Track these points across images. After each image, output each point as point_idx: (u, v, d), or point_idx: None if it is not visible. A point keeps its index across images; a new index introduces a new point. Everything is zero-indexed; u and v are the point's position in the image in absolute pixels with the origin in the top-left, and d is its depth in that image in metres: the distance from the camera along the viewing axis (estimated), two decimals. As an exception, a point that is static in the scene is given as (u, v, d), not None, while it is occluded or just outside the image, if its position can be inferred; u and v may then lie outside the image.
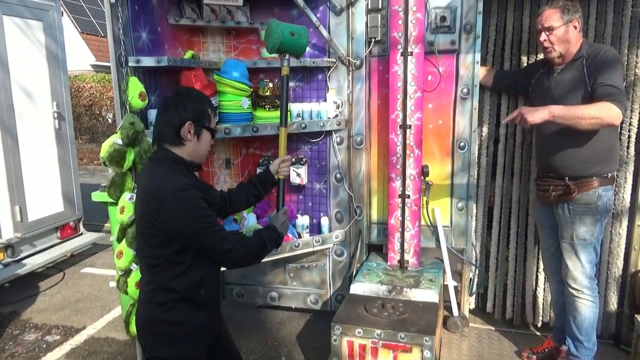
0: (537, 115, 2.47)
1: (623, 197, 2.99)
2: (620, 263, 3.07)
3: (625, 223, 3.03)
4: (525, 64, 3.06)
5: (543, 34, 2.61)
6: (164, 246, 1.76)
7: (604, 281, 3.10)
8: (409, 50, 2.91)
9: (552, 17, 2.57)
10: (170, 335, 1.83)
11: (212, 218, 1.81)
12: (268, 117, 3.04)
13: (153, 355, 1.86)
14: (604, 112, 2.41)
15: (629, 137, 2.91)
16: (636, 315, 2.83)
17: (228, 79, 2.93)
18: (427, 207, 3.23)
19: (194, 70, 2.90)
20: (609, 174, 2.65)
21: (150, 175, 1.84)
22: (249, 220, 3.20)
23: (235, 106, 2.99)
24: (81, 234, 5.00)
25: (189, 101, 1.86)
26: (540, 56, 2.99)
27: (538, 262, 3.25)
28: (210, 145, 1.96)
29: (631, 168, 2.96)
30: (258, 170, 3.28)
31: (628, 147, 2.93)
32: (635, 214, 2.98)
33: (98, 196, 3.50)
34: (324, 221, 3.30)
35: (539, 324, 3.30)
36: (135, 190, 2.16)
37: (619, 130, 2.68)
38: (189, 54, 2.96)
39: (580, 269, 2.67)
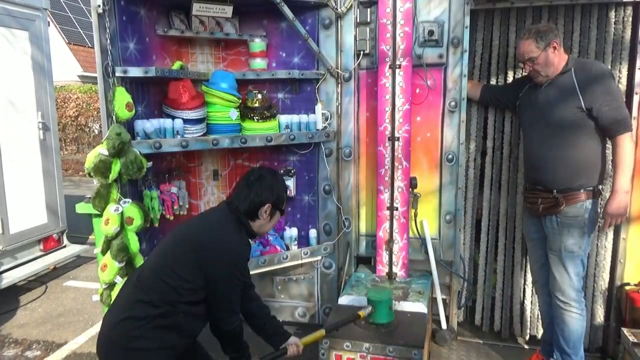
0: (623, 208, 2.62)
1: (609, 210, 3.03)
2: (606, 276, 3.09)
3: (611, 236, 3.05)
4: (511, 78, 3.11)
5: (526, 66, 2.70)
6: (185, 271, 1.86)
7: (591, 294, 3.11)
8: (397, 63, 2.94)
9: (528, 48, 2.63)
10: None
11: (245, 279, 2.04)
12: (256, 128, 3.03)
13: None
14: (630, 149, 2.58)
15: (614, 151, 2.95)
16: (622, 329, 2.84)
17: (216, 90, 2.93)
18: (415, 219, 3.23)
19: (182, 81, 2.90)
20: (596, 187, 2.68)
21: (219, 218, 2.01)
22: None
23: (224, 117, 2.98)
24: (65, 246, 4.91)
25: (274, 186, 2.05)
26: (525, 71, 3.03)
27: (526, 275, 3.25)
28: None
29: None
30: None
31: (613, 161, 2.96)
32: (621, 227, 3.01)
33: (82, 207, 3.44)
34: (313, 233, 3.29)
35: (527, 337, 3.30)
36: (189, 221, 2.23)
37: (605, 144, 2.72)
38: (177, 65, 2.95)
39: (568, 281, 2.68)
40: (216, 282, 1.88)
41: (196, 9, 2.79)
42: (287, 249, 3.24)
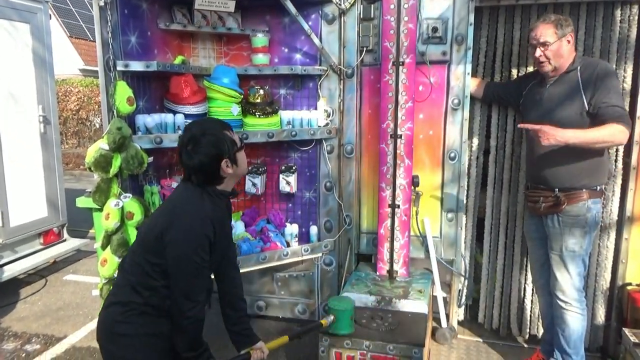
0: (552, 140, 2.45)
1: (611, 210, 3.01)
2: (608, 276, 3.08)
3: (613, 236, 3.03)
4: (515, 76, 3.08)
5: (538, 49, 2.61)
6: (152, 254, 1.75)
7: (592, 294, 3.10)
8: (401, 60, 2.91)
9: (546, 32, 2.57)
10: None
11: (203, 262, 1.75)
12: (258, 124, 3.02)
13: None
14: (615, 135, 2.46)
15: (617, 150, 2.93)
16: (624, 329, 2.83)
17: (218, 85, 2.91)
18: (416, 218, 3.22)
19: (184, 76, 2.88)
20: (598, 187, 2.65)
21: (180, 192, 1.85)
22: (237, 229, 3.16)
23: (225, 113, 2.96)
24: (65, 240, 4.90)
25: (209, 139, 1.77)
26: (531, 69, 3.01)
27: (526, 274, 3.24)
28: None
29: (619, 181, 2.97)
30: (247, 179, 3.22)
31: (616, 161, 2.95)
32: (623, 227, 2.99)
33: (83, 202, 3.43)
34: (313, 230, 3.28)
35: (527, 336, 3.29)
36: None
37: None
38: (179, 59, 2.94)
39: (569, 281, 2.66)
40: (172, 264, 1.72)
41: (198, 3, 2.76)
42: (288, 245, 3.23)
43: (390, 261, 3.18)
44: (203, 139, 1.77)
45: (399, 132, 3.00)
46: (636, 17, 2.84)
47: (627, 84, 2.89)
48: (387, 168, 3.07)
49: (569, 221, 2.63)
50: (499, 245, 3.28)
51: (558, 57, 2.59)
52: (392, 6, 2.86)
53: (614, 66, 2.89)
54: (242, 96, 2.99)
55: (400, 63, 2.92)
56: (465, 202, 3.22)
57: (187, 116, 2.89)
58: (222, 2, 2.79)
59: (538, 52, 2.61)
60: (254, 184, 3.17)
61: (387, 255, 3.18)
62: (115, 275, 2.55)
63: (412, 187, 3.10)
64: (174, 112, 2.89)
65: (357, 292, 2.96)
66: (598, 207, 2.67)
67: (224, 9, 2.83)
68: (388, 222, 3.14)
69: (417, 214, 3.21)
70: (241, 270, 2.97)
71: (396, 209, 3.10)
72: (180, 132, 2.81)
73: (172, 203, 1.85)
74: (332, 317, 2.45)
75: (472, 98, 3.09)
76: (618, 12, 2.87)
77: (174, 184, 3.05)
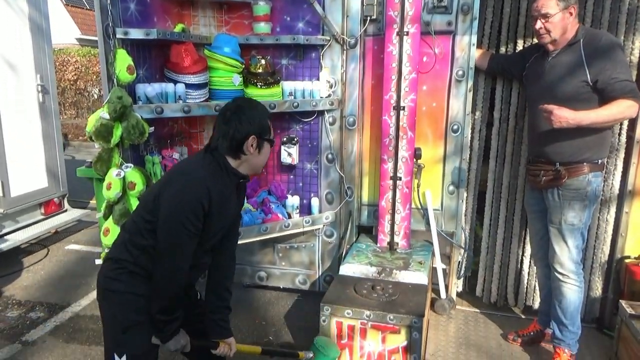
0: (564, 123, 2.44)
1: (612, 183, 3.00)
2: (606, 249, 3.10)
3: (613, 210, 3.04)
4: (521, 47, 3.02)
5: (539, 21, 2.55)
6: (148, 212, 1.76)
7: (590, 266, 3.13)
8: (405, 30, 2.86)
9: (548, 3, 2.51)
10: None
11: (193, 229, 1.71)
12: (260, 94, 2.97)
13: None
14: (625, 111, 2.44)
15: (621, 124, 2.91)
16: (621, 301, 2.86)
17: (219, 54, 2.86)
18: (418, 190, 3.22)
19: (185, 44, 2.82)
20: (600, 161, 2.64)
21: (190, 158, 1.91)
22: (239, 200, 3.16)
23: (227, 83, 2.92)
24: (66, 210, 4.91)
25: (253, 113, 1.82)
26: (536, 40, 2.95)
27: (524, 247, 3.27)
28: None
29: (622, 155, 2.96)
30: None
31: (620, 135, 2.93)
32: (624, 201, 3.00)
33: (83, 172, 3.42)
34: (314, 202, 3.28)
35: (522, 307, 3.34)
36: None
37: None
38: (179, 27, 2.88)
39: (567, 253, 2.68)
40: (161, 221, 1.70)
41: None
42: (289, 217, 3.23)
43: (391, 233, 3.19)
44: (248, 111, 1.82)
45: (402, 104, 2.97)
46: None
47: (635, 56, 2.85)
48: (390, 140, 3.06)
49: (569, 195, 2.63)
50: (499, 219, 3.29)
51: (558, 28, 2.53)
52: None
53: (622, 38, 2.84)
54: (244, 66, 2.95)
55: (405, 33, 2.86)
56: (467, 175, 3.21)
57: (187, 86, 2.84)
58: None
59: (538, 24, 2.55)
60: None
61: (388, 227, 3.19)
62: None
63: (414, 160, 3.09)
64: (175, 82, 2.84)
65: (357, 263, 2.99)
66: (599, 180, 2.66)
67: None
68: (389, 194, 3.14)
69: (418, 187, 3.21)
70: (243, 241, 3.01)
71: (398, 182, 3.10)
72: (181, 101, 2.79)
73: (180, 165, 1.88)
74: (311, 355, 2.34)
75: (477, 70, 3.04)
76: None
77: (175, 155, 3.05)
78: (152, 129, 2.73)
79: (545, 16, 2.52)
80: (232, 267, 2.10)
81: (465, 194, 3.25)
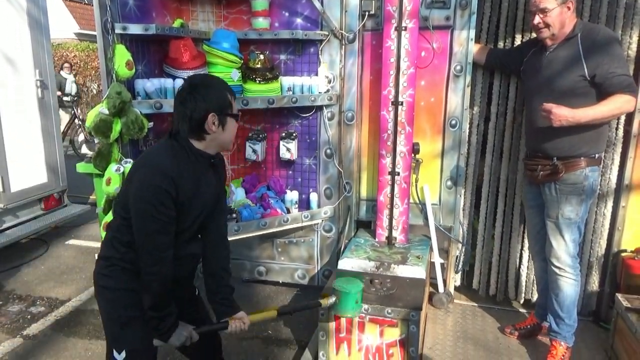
0: (564, 122, 2.46)
1: (609, 178, 3.02)
2: (603, 243, 3.12)
3: (610, 204, 3.06)
4: (519, 42, 3.03)
5: (537, 16, 2.55)
6: (123, 210, 1.75)
7: (587, 260, 3.15)
8: (403, 25, 2.87)
9: None
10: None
11: (164, 217, 1.68)
12: (258, 90, 2.99)
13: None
14: (623, 106, 2.48)
15: (618, 118, 2.92)
16: (617, 294, 2.89)
17: (218, 49, 2.87)
18: (416, 185, 3.24)
19: (183, 40, 2.83)
20: (597, 155, 2.65)
21: (154, 147, 1.82)
22: (237, 195, 3.18)
23: (225, 78, 2.90)
24: (65, 205, 4.93)
25: (208, 91, 1.74)
26: (534, 35, 2.97)
27: (523, 241, 3.28)
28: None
29: (619, 150, 2.98)
30: (247, 145, 3.24)
31: (617, 129, 2.94)
32: (621, 195, 3.02)
33: (83, 167, 3.43)
34: (313, 197, 3.30)
35: (521, 301, 3.37)
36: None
37: None
38: (177, 23, 2.88)
39: (564, 247, 2.70)
40: (134, 217, 1.69)
41: None
42: (288, 212, 3.25)
43: (389, 228, 3.21)
44: (202, 88, 1.74)
45: (400, 99, 2.97)
46: None
47: (633, 51, 2.86)
48: (388, 135, 3.06)
49: (566, 189, 2.65)
50: (497, 213, 3.31)
51: (557, 23, 2.53)
52: None
53: (620, 32, 2.85)
54: (242, 61, 2.96)
55: (403, 28, 2.87)
56: (464, 169, 3.23)
57: None
58: None
59: (537, 18, 2.55)
60: (254, 151, 3.17)
61: (387, 222, 3.21)
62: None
63: (413, 155, 3.10)
64: (174, 77, 2.86)
65: (356, 257, 3.00)
66: (596, 175, 2.68)
67: None
68: (388, 189, 3.15)
69: (416, 182, 3.23)
70: (242, 236, 3.03)
71: (396, 177, 3.10)
72: None
73: (142, 156, 1.82)
74: (334, 298, 2.40)
75: (475, 64, 3.05)
76: None
77: None
78: (151, 124, 2.75)
79: (544, 11, 2.52)
80: (224, 247, 2.04)
81: (463, 189, 3.27)
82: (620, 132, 2.95)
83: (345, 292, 2.39)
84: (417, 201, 3.28)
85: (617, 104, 2.45)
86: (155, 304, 1.74)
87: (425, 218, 3.27)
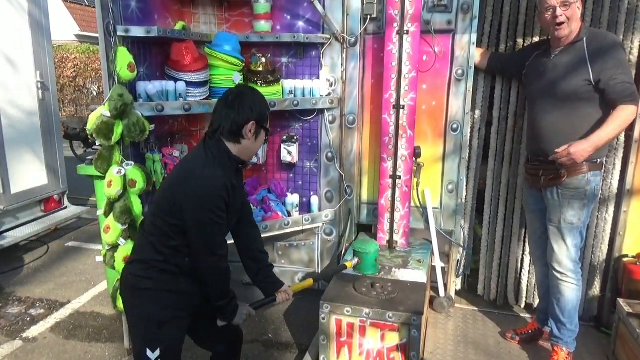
0: (586, 155, 2.52)
1: (611, 183, 3.03)
2: (605, 248, 3.13)
3: (612, 209, 3.07)
4: (521, 46, 3.04)
5: (559, 9, 2.50)
6: (170, 216, 1.85)
7: (588, 265, 3.15)
8: (405, 28, 2.87)
9: None
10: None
11: (221, 220, 1.85)
12: (260, 93, 2.99)
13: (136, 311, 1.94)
14: (628, 119, 2.51)
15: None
16: (619, 299, 2.89)
17: (220, 52, 2.87)
18: (417, 189, 3.24)
19: (185, 42, 2.83)
20: (599, 160, 2.66)
21: (194, 156, 1.94)
22: (239, 198, 3.17)
23: (227, 81, 2.93)
24: (66, 207, 4.93)
25: (255, 101, 1.93)
26: (537, 39, 2.98)
27: (524, 246, 3.29)
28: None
29: (620, 154, 2.98)
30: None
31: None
32: (622, 200, 3.02)
33: (84, 169, 3.42)
34: (314, 200, 3.30)
35: (523, 305, 3.36)
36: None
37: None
38: (179, 25, 2.89)
39: (565, 252, 2.70)
40: (192, 227, 1.83)
41: None
42: (289, 215, 3.25)
43: (391, 231, 3.21)
44: (249, 97, 1.93)
45: (401, 103, 2.98)
46: None
47: (634, 56, 2.87)
48: (389, 139, 3.07)
49: (569, 194, 2.65)
50: (498, 217, 3.31)
51: (575, 20, 2.54)
52: None
53: (621, 37, 2.85)
54: (244, 64, 2.96)
55: (405, 32, 2.88)
56: (466, 173, 3.23)
57: (188, 84, 2.85)
58: None
59: (559, 11, 2.50)
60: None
61: (388, 225, 3.21)
62: (119, 243, 2.58)
63: (414, 159, 3.11)
64: (175, 80, 2.85)
65: None
66: (598, 179, 2.69)
67: None
68: (389, 193, 3.16)
69: (418, 185, 3.23)
70: None
71: (397, 180, 3.11)
72: (181, 99, 2.80)
73: (187, 166, 1.93)
74: (357, 260, 2.71)
75: (476, 69, 3.06)
76: None
77: (176, 153, 3.06)
78: (152, 126, 2.73)
79: (566, 4, 2.49)
80: (256, 233, 2.26)
81: (464, 193, 3.28)
82: (622, 137, 2.95)
83: (365, 253, 2.71)
84: (419, 205, 3.28)
85: (622, 118, 2.49)
86: (223, 295, 1.96)
87: (427, 222, 3.27)
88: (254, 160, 3.21)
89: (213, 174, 1.82)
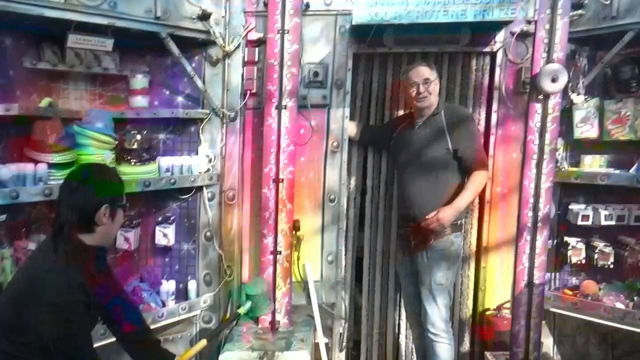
0: (452, 217, 3.95)
1: (470, 241, 4.61)
2: (470, 303, 4.65)
3: (473, 266, 4.63)
4: (388, 119, 4.52)
5: (422, 85, 3.92)
6: (18, 334, 2.21)
7: (457, 322, 4.63)
8: (284, 103, 4.04)
9: (428, 71, 3.94)
10: None
11: (84, 324, 2.32)
12: (134, 172, 3.82)
13: None
14: (482, 183, 4.01)
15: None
16: (486, 352, 4.42)
17: (91, 130, 3.67)
18: (298, 263, 4.39)
19: (50, 120, 3.53)
20: (459, 221, 4.14)
21: (40, 258, 2.33)
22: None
23: (97, 160, 3.62)
24: None
25: (104, 181, 2.37)
26: (402, 112, 4.51)
27: (400, 311, 4.68)
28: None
29: (476, 214, 4.58)
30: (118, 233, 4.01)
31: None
32: (481, 256, 4.60)
33: None
34: (192, 285, 4.19)
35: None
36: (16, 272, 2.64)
37: (466, 182, 4.17)
38: (45, 102, 3.59)
39: (437, 313, 4.04)
40: (53, 342, 2.18)
41: (72, 41, 3.48)
42: (163, 305, 4.05)
43: (273, 312, 4.21)
44: (96, 178, 2.35)
45: (280, 176, 4.08)
46: (488, 67, 4.46)
47: (481, 126, 4.52)
48: (270, 213, 4.13)
49: (436, 255, 4.03)
50: (376, 285, 4.67)
51: (434, 94, 3.99)
52: (276, 50, 4.01)
53: (471, 109, 4.49)
54: (117, 142, 3.75)
55: (283, 107, 4.03)
56: (344, 243, 4.53)
57: (50, 166, 3.51)
58: (99, 40, 3.59)
59: (421, 88, 3.93)
60: (126, 239, 3.95)
61: (270, 305, 4.31)
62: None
63: (294, 232, 4.23)
64: (36, 162, 3.49)
65: (238, 349, 3.85)
66: (459, 240, 4.17)
67: (101, 48, 3.64)
68: (270, 270, 4.19)
69: (298, 259, 4.38)
70: (109, 341, 3.71)
71: (278, 256, 4.16)
72: (42, 183, 3.44)
73: (33, 272, 2.25)
74: (249, 304, 3.50)
75: (350, 140, 4.42)
76: (474, 62, 4.48)
77: (31, 245, 3.61)
78: (3, 217, 3.33)
79: (427, 81, 3.94)
80: (132, 316, 2.67)
81: (344, 263, 4.55)
82: (477, 199, 4.57)
83: (256, 295, 3.56)
84: (300, 279, 4.44)
85: (478, 183, 4.01)
86: None
87: (308, 297, 4.40)
88: (125, 246, 4.10)
89: (65, 277, 2.15)
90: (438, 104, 4.09)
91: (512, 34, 4.28)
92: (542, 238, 4.13)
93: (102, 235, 2.38)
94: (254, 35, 4.18)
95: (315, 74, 4.26)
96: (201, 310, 4.32)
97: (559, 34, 3.88)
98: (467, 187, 4.01)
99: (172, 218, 4.19)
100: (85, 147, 3.70)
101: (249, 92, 4.24)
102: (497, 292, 4.65)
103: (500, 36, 4.36)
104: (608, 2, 3.99)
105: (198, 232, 4.28)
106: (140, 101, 3.97)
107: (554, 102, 3.98)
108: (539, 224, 4.10)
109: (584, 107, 4.37)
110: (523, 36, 4.30)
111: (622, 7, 3.94)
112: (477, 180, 4.02)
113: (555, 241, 4.60)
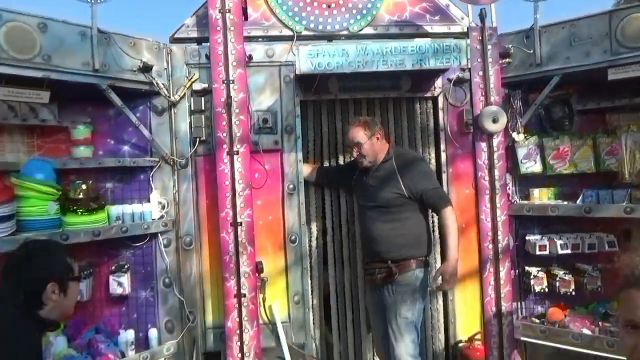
0: (456, 275, 2.69)
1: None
2: (442, 336, 3.13)
3: (441, 299, 3.13)
4: (342, 161, 3.17)
5: (354, 150, 2.79)
6: None
7: (431, 356, 3.10)
8: (235, 149, 2.77)
9: (357, 134, 2.77)
10: None
11: None
12: (81, 221, 2.51)
13: None
14: (454, 219, 2.71)
15: (433, 222, 3.08)
16: (460, 386, 2.83)
17: (30, 181, 2.40)
18: (264, 305, 2.94)
19: (-15, 173, 2.32)
20: (423, 257, 2.79)
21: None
22: (57, 346, 2.49)
23: (40, 212, 2.42)
24: None
25: (49, 258, 1.56)
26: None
27: (372, 347, 3.13)
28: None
29: (438, 249, 3.11)
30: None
31: (434, 231, 3.08)
32: (448, 290, 3.08)
33: None
34: (153, 333, 2.75)
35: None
36: None
37: (428, 219, 2.87)
38: (-23, 155, 2.38)
39: (404, 349, 2.66)
40: None
41: (2, 94, 2.30)
42: (123, 356, 2.63)
43: (241, 356, 2.79)
44: (41, 255, 1.56)
45: (238, 220, 2.78)
46: (431, 110, 3.17)
47: (433, 165, 3.13)
48: (230, 257, 2.78)
49: (401, 289, 2.70)
50: (347, 321, 3.15)
51: (372, 153, 2.79)
52: (222, 99, 2.75)
53: (420, 151, 3.14)
54: (61, 192, 2.50)
55: (235, 152, 2.77)
56: (310, 282, 3.06)
57: None
58: (33, 93, 2.36)
59: (355, 152, 2.80)
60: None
61: (237, 349, 2.78)
62: None
63: (257, 274, 2.86)
64: (-31, 219, 2.27)
65: None
66: (425, 274, 2.77)
67: (36, 100, 2.39)
68: (235, 313, 2.79)
69: (264, 301, 2.94)
70: None
71: (242, 299, 2.79)
72: None
73: None
74: None
75: (307, 182, 3.06)
76: (418, 106, 3.18)
77: None
78: None
79: (358, 145, 2.76)
80: None
81: (311, 302, 3.06)
82: (437, 234, 3.10)
83: None
84: (267, 321, 2.96)
85: (451, 220, 2.70)
86: None
87: (277, 338, 2.94)
88: (77, 297, 2.61)
89: (26, 342, 1.44)
90: (388, 150, 2.84)
91: (450, 80, 3.06)
92: (504, 269, 2.97)
93: (52, 310, 1.54)
94: (198, 86, 2.89)
95: (265, 120, 2.93)
96: (164, 359, 2.74)
97: (492, 79, 2.93)
98: (445, 230, 2.76)
99: (126, 266, 2.76)
100: (26, 199, 2.48)
101: (198, 139, 2.88)
102: (467, 324, 3.12)
103: (439, 82, 3.10)
104: (531, 51, 2.88)
105: (156, 279, 2.83)
106: (83, 151, 2.66)
107: (497, 140, 2.97)
108: (500, 256, 2.96)
109: (525, 144, 3.10)
110: (460, 82, 3.08)
111: (544, 55, 2.87)
112: (449, 217, 2.73)
113: (517, 271, 3.13)
